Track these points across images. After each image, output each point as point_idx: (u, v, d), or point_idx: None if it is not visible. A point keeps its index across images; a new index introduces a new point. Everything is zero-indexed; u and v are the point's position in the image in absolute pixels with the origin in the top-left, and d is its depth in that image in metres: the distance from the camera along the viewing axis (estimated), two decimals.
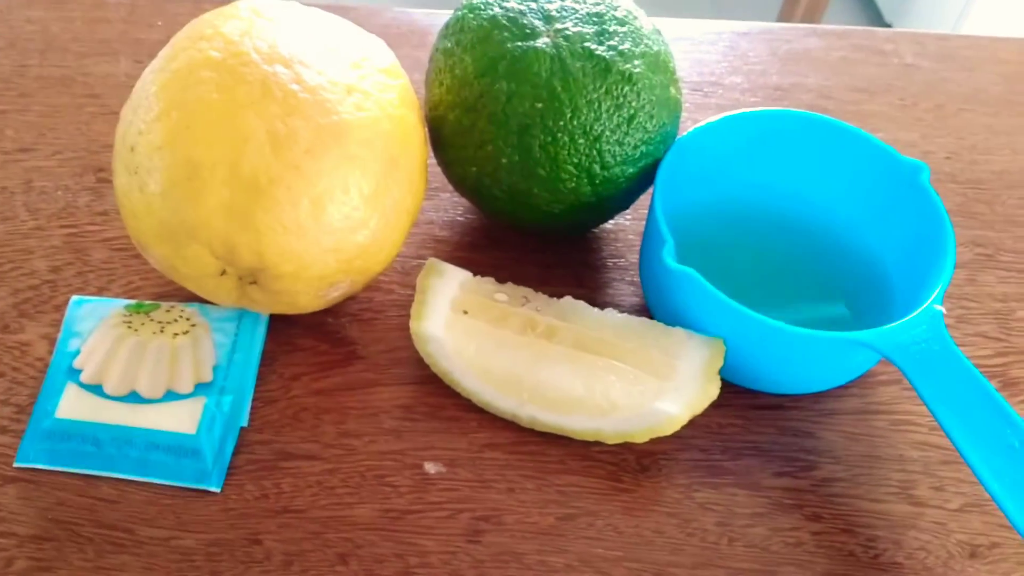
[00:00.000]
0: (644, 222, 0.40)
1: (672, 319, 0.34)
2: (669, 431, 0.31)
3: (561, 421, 0.32)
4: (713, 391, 0.31)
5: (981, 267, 0.40)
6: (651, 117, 0.34)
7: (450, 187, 0.39)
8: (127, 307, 0.35)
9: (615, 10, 0.34)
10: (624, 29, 0.33)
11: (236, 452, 0.32)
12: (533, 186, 0.34)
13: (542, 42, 0.33)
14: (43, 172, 0.41)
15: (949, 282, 0.32)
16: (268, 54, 0.30)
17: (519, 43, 0.33)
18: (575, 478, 0.33)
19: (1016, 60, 0.51)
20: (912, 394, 0.35)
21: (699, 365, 0.32)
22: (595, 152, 0.33)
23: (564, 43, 0.33)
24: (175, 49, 0.31)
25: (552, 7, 0.33)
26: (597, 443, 0.33)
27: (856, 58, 0.50)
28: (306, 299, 0.33)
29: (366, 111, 0.31)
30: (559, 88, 0.32)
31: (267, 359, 0.35)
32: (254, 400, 0.34)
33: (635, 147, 0.34)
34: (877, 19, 2.02)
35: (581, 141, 0.33)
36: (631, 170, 0.34)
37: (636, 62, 0.33)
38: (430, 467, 0.33)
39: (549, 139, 0.33)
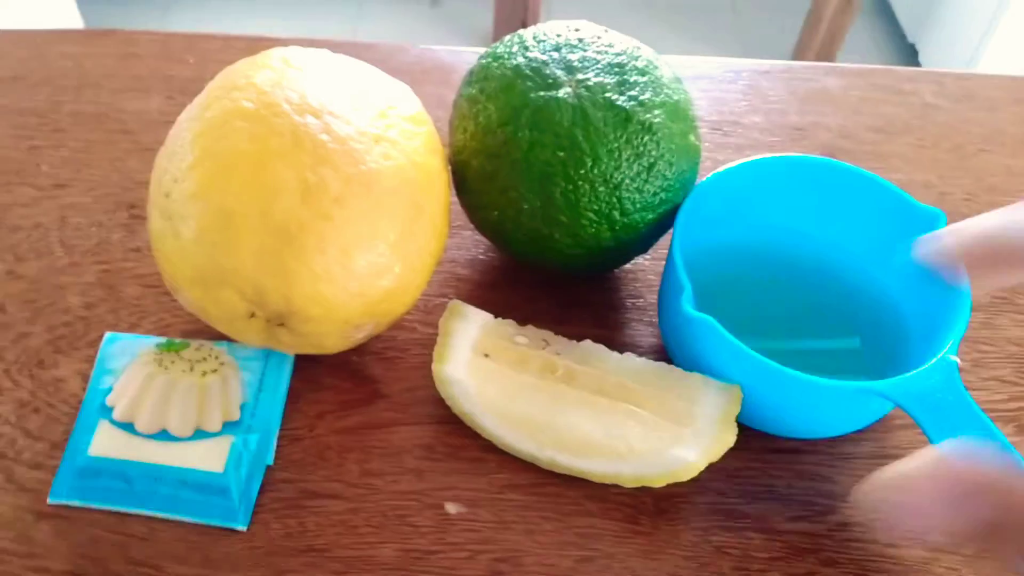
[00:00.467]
0: (663, 262, 0.40)
1: (690, 363, 0.35)
2: (686, 477, 0.32)
3: (580, 464, 0.33)
4: (730, 438, 0.32)
5: (998, 311, 0.41)
6: (670, 165, 0.34)
7: (472, 226, 0.40)
8: (158, 346, 0.36)
9: (636, 60, 0.35)
10: (645, 79, 0.34)
11: (262, 490, 0.33)
12: (554, 231, 0.35)
13: (564, 92, 0.33)
14: (78, 208, 0.43)
15: (964, 332, 0.32)
16: (299, 105, 0.31)
17: (542, 93, 0.34)
18: (593, 520, 0.33)
19: None
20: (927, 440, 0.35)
21: (717, 412, 0.32)
22: (615, 199, 0.34)
23: (586, 93, 0.33)
24: (209, 98, 0.32)
25: (574, 57, 0.34)
26: (615, 485, 0.33)
27: (875, 97, 0.51)
28: (332, 341, 0.34)
29: (392, 160, 0.32)
30: (580, 138, 0.33)
31: (292, 397, 0.36)
32: (279, 438, 0.35)
33: (654, 194, 0.34)
34: (900, 39, 2.02)
35: (601, 189, 0.33)
36: (651, 216, 0.35)
37: (656, 111, 0.34)
38: (451, 507, 0.33)
39: (570, 187, 0.33)
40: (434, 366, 0.34)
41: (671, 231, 0.35)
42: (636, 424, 0.33)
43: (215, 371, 0.35)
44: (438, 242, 0.34)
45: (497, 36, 1.53)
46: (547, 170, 0.33)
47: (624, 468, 0.32)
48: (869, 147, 0.48)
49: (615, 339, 0.39)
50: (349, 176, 0.31)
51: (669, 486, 0.33)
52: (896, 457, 0.35)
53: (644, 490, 0.34)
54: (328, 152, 0.31)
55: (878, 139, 0.48)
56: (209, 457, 0.33)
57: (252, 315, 0.32)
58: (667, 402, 0.33)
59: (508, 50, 0.35)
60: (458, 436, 0.35)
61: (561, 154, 0.33)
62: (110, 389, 0.35)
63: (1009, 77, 0.52)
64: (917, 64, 1.92)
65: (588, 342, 0.35)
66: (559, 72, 0.34)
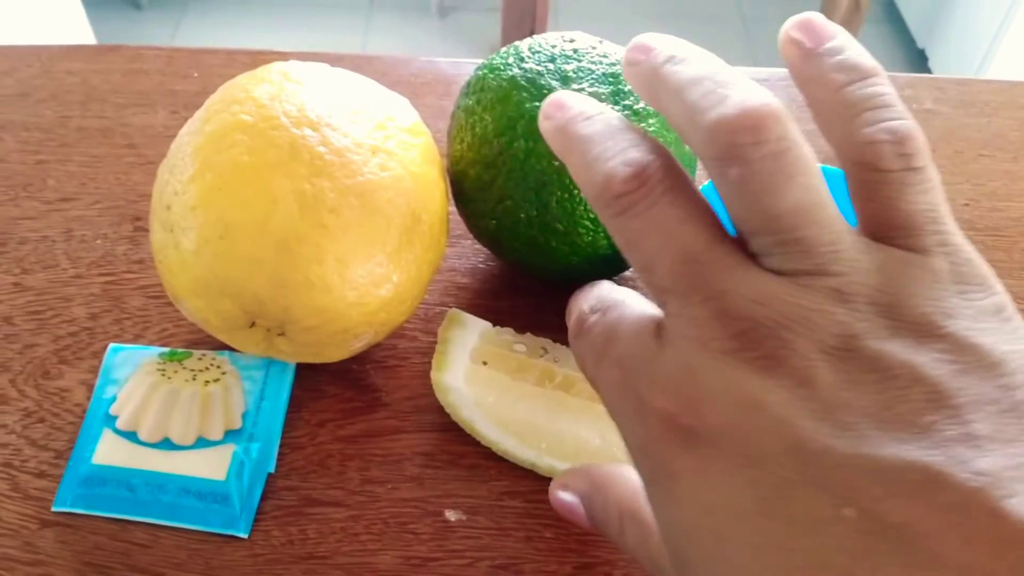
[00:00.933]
0: None
1: None
2: None
3: None
4: None
5: None
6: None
7: (472, 235, 0.40)
8: (161, 355, 0.36)
9: None
10: None
11: (263, 498, 0.34)
12: (551, 239, 0.35)
13: None
14: (83, 221, 0.43)
15: None
16: (297, 117, 0.32)
17: (537, 103, 0.34)
18: None
19: None
20: None
21: None
22: None
23: None
24: (209, 112, 0.33)
25: (569, 68, 0.35)
26: None
27: None
28: (331, 350, 0.34)
29: (390, 170, 0.32)
30: None
31: (294, 405, 0.36)
32: (281, 446, 0.35)
33: None
34: (909, 44, 2.02)
35: None
36: None
37: (651, 120, 0.34)
38: (451, 515, 0.33)
39: (566, 195, 0.34)
40: (433, 374, 0.35)
41: None
42: None
43: (217, 380, 0.35)
44: (436, 252, 0.35)
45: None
46: (543, 179, 0.34)
47: None
48: None
49: None
50: (346, 187, 0.31)
51: None
52: None
53: None
54: (325, 163, 0.31)
55: None
56: (211, 465, 0.33)
57: (252, 324, 0.33)
58: None
59: (504, 61, 0.36)
60: (458, 444, 0.35)
61: (557, 163, 0.33)
62: (114, 398, 0.35)
63: (1008, 82, 0.52)
64: (928, 70, 1.92)
65: None
66: (554, 83, 0.34)
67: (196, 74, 0.51)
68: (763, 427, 0.19)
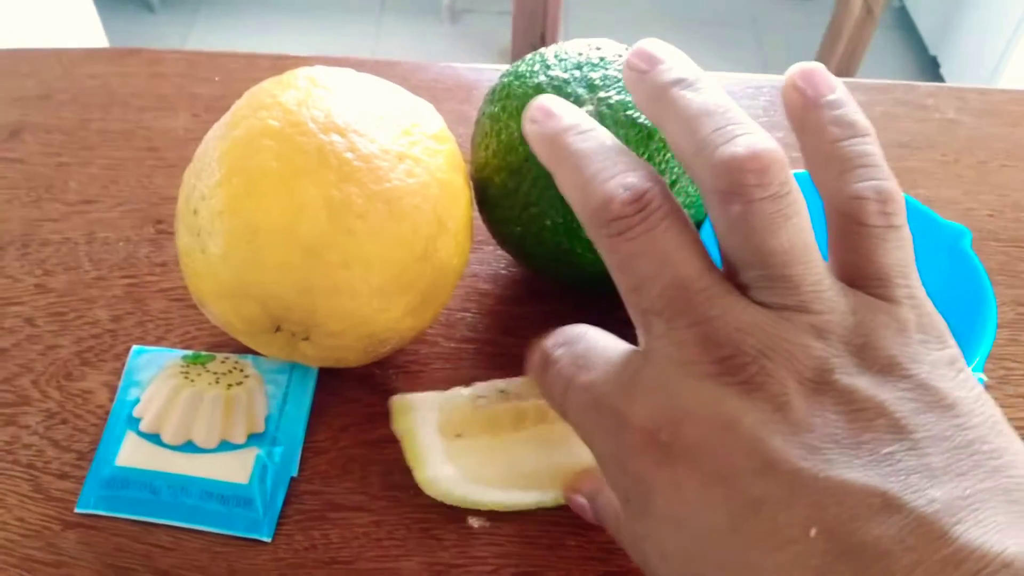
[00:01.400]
0: None
1: None
2: None
3: None
4: None
5: (1023, 327, 0.41)
6: (693, 181, 0.34)
7: (494, 240, 0.40)
8: (184, 358, 0.36)
9: None
10: None
11: (286, 502, 0.34)
12: (576, 246, 0.35)
13: (586, 110, 0.34)
14: (105, 223, 0.43)
15: (989, 351, 0.32)
16: (324, 123, 0.32)
17: None
18: None
19: None
20: None
21: None
22: None
23: (607, 111, 0.34)
24: (236, 117, 0.33)
25: (596, 76, 0.35)
26: None
27: (897, 113, 0.51)
28: (355, 355, 0.34)
29: (416, 177, 0.32)
30: None
31: (317, 410, 0.36)
32: (304, 450, 0.35)
33: None
34: (921, 51, 2.01)
35: None
36: None
37: None
38: (474, 521, 0.33)
39: None
40: (415, 474, 0.33)
41: None
42: None
43: (240, 384, 0.35)
44: (460, 258, 0.35)
45: (515, 52, 1.54)
46: None
47: None
48: (892, 163, 0.47)
49: None
50: (373, 193, 0.31)
51: None
52: None
53: None
54: (353, 169, 0.31)
55: (901, 154, 0.48)
56: (234, 469, 0.33)
57: (277, 329, 0.33)
58: None
59: (530, 68, 0.36)
60: None
61: None
62: (137, 401, 0.35)
63: None
64: (939, 77, 1.91)
65: None
66: (580, 90, 0.34)
67: (217, 78, 0.51)
68: (737, 445, 0.20)
